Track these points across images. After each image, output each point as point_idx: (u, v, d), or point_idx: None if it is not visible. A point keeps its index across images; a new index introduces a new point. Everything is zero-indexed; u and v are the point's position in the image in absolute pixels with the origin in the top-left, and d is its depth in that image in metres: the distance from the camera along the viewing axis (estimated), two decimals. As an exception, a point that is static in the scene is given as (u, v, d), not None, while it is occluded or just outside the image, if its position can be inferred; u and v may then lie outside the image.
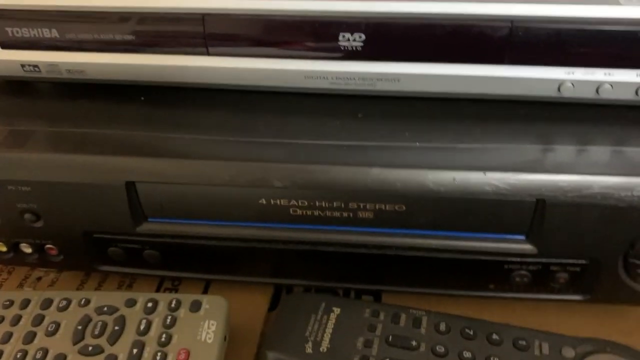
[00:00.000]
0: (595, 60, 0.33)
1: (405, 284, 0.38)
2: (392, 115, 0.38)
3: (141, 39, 0.36)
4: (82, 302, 0.37)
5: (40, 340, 0.35)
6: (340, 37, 0.34)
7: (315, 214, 0.35)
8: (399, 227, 0.35)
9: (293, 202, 0.34)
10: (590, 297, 0.37)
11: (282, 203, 0.35)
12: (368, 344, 0.34)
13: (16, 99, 0.42)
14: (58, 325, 0.36)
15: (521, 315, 0.39)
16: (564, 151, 0.34)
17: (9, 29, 0.37)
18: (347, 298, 0.40)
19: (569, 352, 0.34)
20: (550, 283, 0.36)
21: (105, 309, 0.37)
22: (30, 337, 0.35)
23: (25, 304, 0.37)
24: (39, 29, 0.37)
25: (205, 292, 0.43)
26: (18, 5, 0.36)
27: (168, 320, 0.36)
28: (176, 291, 0.43)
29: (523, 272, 0.36)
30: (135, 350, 0.34)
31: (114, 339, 0.35)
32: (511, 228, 0.34)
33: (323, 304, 0.36)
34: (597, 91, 0.34)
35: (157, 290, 0.43)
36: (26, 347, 0.35)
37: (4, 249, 0.40)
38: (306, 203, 0.34)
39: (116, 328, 0.36)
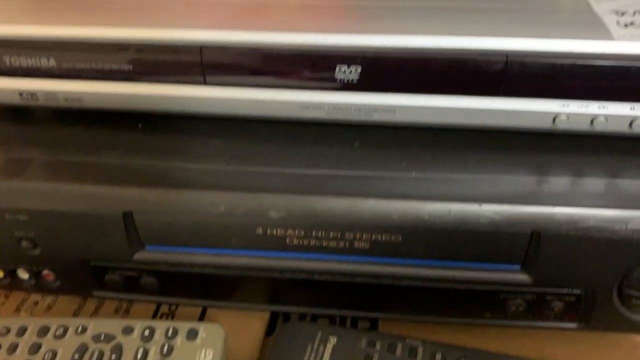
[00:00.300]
0: (590, 94, 0.34)
1: (402, 312, 0.38)
2: (388, 144, 0.38)
3: (139, 69, 0.36)
4: (79, 329, 0.37)
5: (37, 370, 0.35)
6: (337, 70, 0.34)
7: (311, 243, 0.35)
8: (395, 257, 0.35)
9: (290, 231, 0.35)
10: (585, 326, 0.37)
11: (278, 233, 0.35)
12: (364, 374, 0.34)
13: (14, 126, 0.42)
14: (55, 353, 0.36)
15: (518, 342, 0.39)
16: (559, 182, 0.34)
17: (7, 57, 0.37)
18: (343, 327, 0.40)
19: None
20: (545, 312, 0.36)
21: (103, 336, 0.37)
22: (27, 367, 0.35)
23: (22, 331, 0.37)
24: (37, 58, 0.37)
25: (202, 316, 0.43)
26: (16, 34, 0.36)
27: (165, 349, 0.36)
28: (173, 316, 0.43)
29: (518, 301, 0.36)
30: (132, 380, 0.34)
31: (111, 367, 0.35)
32: (506, 258, 0.34)
33: (319, 333, 0.36)
34: (591, 123, 0.34)
35: (154, 315, 0.43)
36: (23, 376, 0.35)
37: (1, 274, 0.40)
38: (303, 233, 0.35)
39: (113, 356, 0.36)
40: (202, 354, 0.36)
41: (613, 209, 0.32)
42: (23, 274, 0.40)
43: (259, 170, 0.36)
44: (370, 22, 0.35)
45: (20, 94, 0.39)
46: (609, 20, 0.33)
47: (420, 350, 0.35)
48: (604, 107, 0.34)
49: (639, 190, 0.33)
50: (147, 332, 0.37)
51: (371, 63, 0.34)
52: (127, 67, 0.36)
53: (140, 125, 0.40)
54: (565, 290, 0.35)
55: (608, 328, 0.37)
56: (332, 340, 0.36)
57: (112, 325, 0.38)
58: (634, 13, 0.34)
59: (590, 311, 0.36)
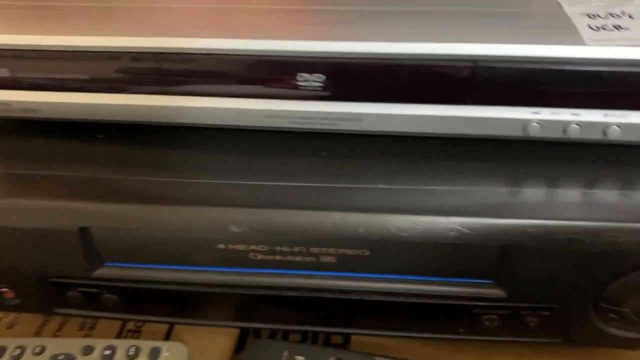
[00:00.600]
0: (562, 100, 0.32)
1: (373, 327, 0.37)
2: (357, 154, 0.36)
3: (95, 78, 0.35)
4: (37, 350, 0.36)
5: (-10, 393, 0.34)
6: (299, 77, 0.33)
7: (276, 258, 0.34)
8: (363, 271, 0.34)
9: (252, 247, 0.33)
10: (563, 341, 0.35)
11: (241, 248, 0.33)
12: (331, 395, 0.33)
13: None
14: (10, 376, 0.35)
15: (495, 357, 0.38)
16: (531, 194, 0.33)
17: (-41, 68, 0.36)
18: (311, 345, 0.39)
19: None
20: (520, 326, 0.35)
21: (62, 357, 0.36)
22: (-20, 390, 0.34)
23: (-23, 353, 0.36)
24: (-9, 68, 0.36)
25: (169, 333, 0.41)
26: (-33, 44, 0.35)
27: (125, 370, 0.35)
28: (139, 333, 0.42)
29: (492, 316, 0.35)
30: (89, 404, 0.33)
31: (68, 391, 0.34)
32: (478, 272, 0.33)
33: (286, 352, 0.35)
34: (564, 131, 0.33)
35: (120, 333, 0.42)
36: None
37: (-41, 292, 0.39)
38: (266, 248, 0.33)
39: (71, 378, 0.34)
40: (164, 375, 0.34)
41: (587, 221, 0.31)
42: (-19, 292, 0.38)
43: (220, 182, 0.34)
44: (333, 28, 0.33)
45: (-26, 105, 0.37)
46: (581, 23, 0.32)
47: (389, 369, 0.34)
48: (576, 114, 0.33)
49: (614, 201, 0.32)
50: (107, 352, 0.36)
51: (334, 70, 0.32)
52: (82, 76, 0.35)
53: (100, 136, 0.39)
54: (540, 305, 0.34)
55: (586, 342, 0.36)
56: (299, 359, 0.35)
57: (72, 345, 0.36)
58: (607, 16, 0.33)
59: (566, 326, 0.35)
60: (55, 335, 0.42)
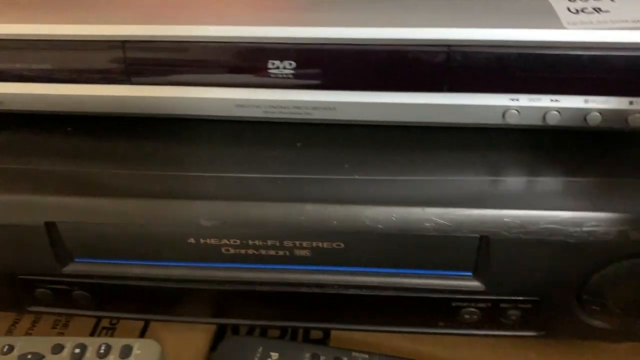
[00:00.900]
0: (540, 86, 0.31)
1: (351, 322, 0.36)
2: (333, 144, 0.35)
3: (59, 68, 0.34)
4: (5, 349, 0.35)
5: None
6: (270, 65, 0.32)
7: (249, 252, 0.33)
8: (338, 264, 0.33)
9: (224, 240, 0.32)
10: (545, 334, 0.35)
11: (212, 242, 0.32)
12: (306, 393, 0.32)
13: None
14: (-24, 376, 0.34)
15: (477, 350, 0.37)
16: (510, 183, 0.32)
17: None
18: (287, 341, 0.38)
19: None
20: (501, 320, 0.34)
21: (30, 356, 0.35)
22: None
23: (-57, 352, 0.35)
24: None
25: (144, 330, 0.40)
26: None
27: (96, 368, 0.34)
28: (113, 330, 0.41)
29: (472, 309, 0.34)
30: (57, 404, 0.32)
31: (35, 390, 0.33)
32: (456, 264, 0.32)
33: (260, 349, 0.34)
34: (544, 118, 0.32)
35: (94, 329, 0.41)
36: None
37: None
38: (238, 242, 0.32)
39: (39, 378, 0.33)
40: (135, 373, 0.33)
41: (567, 211, 0.30)
42: (-52, 290, 0.37)
43: (189, 175, 0.33)
44: (303, 13, 0.32)
45: (-64, 97, 0.36)
46: (559, 6, 0.31)
47: (367, 364, 0.33)
48: (556, 100, 0.31)
49: (596, 190, 0.31)
50: (77, 351, 0.35)
51: (305, 57, 0.31)
52: (45, 66, 0.34)
53: (69, 128, 0.37)
54: (520, 297, 0.33)
55: (569, 335, 0.35)
56: (274, 356, 0.33)
57: (41, 344, 0.35)
58: (586, -2, 0.32)
59: (549, 319, 0.34)
60: (27, 334, 0.40)
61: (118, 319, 0.41)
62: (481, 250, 0.31)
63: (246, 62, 0.32)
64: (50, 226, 0.32)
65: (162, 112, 0.35)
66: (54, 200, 0.32)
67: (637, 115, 0.32)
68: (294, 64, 0.31)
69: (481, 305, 0.33)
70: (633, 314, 0.33)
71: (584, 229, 0.30)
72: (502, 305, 0.33)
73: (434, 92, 0.32)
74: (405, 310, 0.35)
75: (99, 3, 0.35)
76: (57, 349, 0.35)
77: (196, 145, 0.36)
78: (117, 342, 0.35)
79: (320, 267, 0.33)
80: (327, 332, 0.40)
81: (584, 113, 0.32)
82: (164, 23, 0.32)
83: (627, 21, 0.30)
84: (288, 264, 0.33)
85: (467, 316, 0.34)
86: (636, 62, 0.30)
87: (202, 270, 0.34)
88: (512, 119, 0.32)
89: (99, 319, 0.41)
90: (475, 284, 0.32)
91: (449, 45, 0.30)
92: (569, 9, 0.31)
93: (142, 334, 0.40)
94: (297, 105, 0.33)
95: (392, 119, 0.33)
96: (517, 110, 0.32)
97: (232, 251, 0.33)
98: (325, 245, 0.32)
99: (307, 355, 0.34)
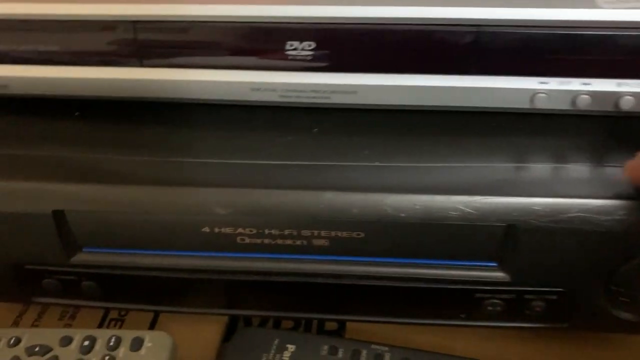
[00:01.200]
0: (571, 69, 0.30)
1: (369, 313, 0.35)
2: (351, 129, 0.34)
3: (67, 50, 0.32)
4: (12, 341, 0.34)
5: (-38, 388, 0.32)
6: (288, 46, 0.30)
7: (265, 242, 0.31)
8: (358, 255, 0.32)
9: (240, 230, 0.31)
10: (569, 326, 0.34)
11: (227, 231, 0.31)
12: (325, 386, 0.31)
13: None
14: (-18, 369, 0.33)
15: (496, 343, 0.36)
16: (538, 170, 0.31)
17: None
18: (303, 333, 0.37)
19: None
20: (525, 311, 0.33)
21: (37, 349, 0.33)
22: (-49, 384, 0.32)
23: (-51, 344, 0.34)
24: (-45, 40, 0.33)
25: (154, 322, 0.39)
26: None
27: (105, 361, 0.33)
28: (122, 322, 0.39)
29: (495, 300, 0.33)
30: (67, 397, 0.31)
31: (44, 383, 0.32)
32: (481, 255, 0.31)
33: (276, 341, 0.33)
34: (573, 102, 0.31)
35: (102, 321, 0.40)
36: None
37: None
38: (254, 231, 0.31)
39: (48, 371, 0.32)
40: (147, 366, 0.32)
41: (598, 199, 0.28)
42: (-47, 280, 0.36)
43: (204, 162, 0.32)
44: (324, -9, 0.31)
45: (-62, 80, 0.35)
46: (593, -16, 0.30)
47: (386, 357, 0.32)
48: (587, 83, 0.30)
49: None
50: (87, 343, 0.34)
51: (325, 38, 0.30)
52: (53, 47, 0.32)
53: (77, 113, 0.36)
54: (546, 289, 0.32)
55: (594, 328, 0.34)
56: (290, 348, 0.32)
57: (49, 336, 0.34)
58: (621, -24, 0.30)
59: (574, 310, 0.33)
60: (33, 325, 0.39)
61: (127, 310, 0.40)
62: (508, 239, 0.30)
63: (263, 43, 0.31)
64: (58, 215, 0.31)
65: (174, 96, 0.33)
66: (62, 188, 0.31)
67: (672, 99, 0.31)
68: (313, 44, 0.30)
69: (505, 296, 0.32)
70: (663, 306, 0.32)
71: (615, 217, 0.28)
72: (527, 296, 0.32)
73: (460, 74, 0.31)
74: (425, 301, 0.34)
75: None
76: (66, 341, 0.34)
77: (210, 131, 0.35)
78: (127, 334, 0.34)
79: (338, 257, 0.32)
80: (342, 324, 0.39)
81: (617, 97, 0.30)
82: (177, 2, 0.31)
83: (664, 0, 0.29)
84: (305, 254, 0.32)
85: (490, 308, 0.33)
86: (673, 44, 0.29)
87: (216, 260, 0.33)
88: (541, 103, 0.31)
89: (107, 310, 0.40)
90: (500, 274, 0.31)
91: (477, 25, 0.29)
92: (602, -12, 0.30)
93: (152, 326, 0.39)
94: (316, 88, 0.32)
95: (416, 103, 0.32)
96: (546, 94, 0.31)
97: (247, 240, 0.31)
98: (344, 234, 0.31)
99: (325, 347, 0.32)
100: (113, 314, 0.40)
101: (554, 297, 0.32)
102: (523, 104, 0.31)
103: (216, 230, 0.31)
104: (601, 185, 0.30)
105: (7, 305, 0.41)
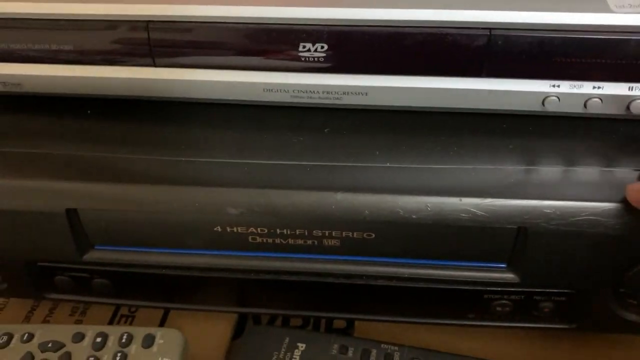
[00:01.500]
0: (583, 73, 0.30)
1: (378, 313, 0.35)
2: (362, 130, 0.34)
3: (80, 49, 0.32)
4: (25, 337, 0.34)
5: (-25, 383, 0.32)
6: (301, 47, 0.30)
7: (276, 241, 0.32)
8: (368, 255, 0.32)
9: (252, 229, 0.31)
10: (577, 327, 0.34)
11: (239, 230, 0.31)
12: (335, 385, 0.31)
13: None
14: (-4, 365, 0.33)
15: (503, 344, 0.37)
16: (549, 172, 0.31)
17: None
18: (313, 332, 0.37)
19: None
20: (533, 312, 0.33)
21: (50, 345, 0.34)
22: (-36, 380, 0.32)
23: (-38, 340, 0.34)
24: (-32, 39, 0.33)
25: (164, 318, 0.40)
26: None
27: (118, 358, 0.33)
28: (133, 319, 0.40)
29: (504, 301, 0.33)
30: (80, 393, 0.31)
31: (57, 379, 0.32)
32: (491, 256, 0.31)
33: (287, 339, 0.33)
34: (585, 105, 0.31)
35: (113, 318, 0.40)
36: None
37: (-57, 276, 0.37)
38: (266, 230, 0.31)
39: (61, 367, 0.33)
40: (159, 363, 0.33)
41: (608, 202, 0.29)
42: (-34, 276, 0.36)
43: (216, 161, 0.32)
44: (337, -7, 0.31)
45: (-48, 78, 0.35)
46: (606, -12, 0.30)
47: (396, 357, 0.32)
48: (599, 87, 0.30)
49: (636, 180, 0.30)
50: (99, 340, 0.34)
51: (338, 40, 0.30)
52: (66, 47, 0.32)
53: (89, 111, 0.36)
54: (555, 290, 0.32)
55: (602, 329, 0.34)
56: (301, 347, 0.33)
57: (61, 332, 0.35)
58: (634, -20, 0.30)
59: (582, 312, 0.33)
60: (45, 321, 0.40)
61: (137, 307, 0.40)
62: (518, 241, 0.30)
63: (276, 44, 0.31)
64: (71, 213, 0.32)
65: (186, 96, 0.34)
66: (75, 187, 0.32)
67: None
68: (326, 46, 0.30)
69: (514, 297, 0.33)
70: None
71: (625, 220, 0.29)
72: (536, 297, 0.33)
73: (473, 77, 0.31)
74: (435, 301, 0.34)
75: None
76: (78, 337, 0.34)
77: (222, 130, 0.35)
78: (139, 331, 0.34)
79: (349, 257, 0.32)
80: (350, 323, 0.39)
81: (628, 101, 0.30)
82: (190, 3, 0.31)
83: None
84: (316, 254, 0.32)
85: (499, 308, 0.33)
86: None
87: (228, 259, 0.33)
88: (552, 107, 0.31)
89: (118, 307, 0.40)
90: (509, 276, 0.31)
91: (490, 29, 0.29)
92: (615, -8, 0.30)
93: (162, 323, 0.39)
94: (328, 89, 0.32)
95: (428, 104, 0.32)
96: (558, 97, 0.31)
97: (259, 240, 0.32)
98: (355, 235, 0.31)
99: (335, 346, 0.33)
100: (123, 311, 0.40)
101: (563, 298, 0.32)
102: (535, 107, 0.32)
103: (228, 229, 0.31)
104: (611, 188, 0.30)
105: (19, 301, 0.41)
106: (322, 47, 0.30)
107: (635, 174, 0.30)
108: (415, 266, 0.32)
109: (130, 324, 0.40)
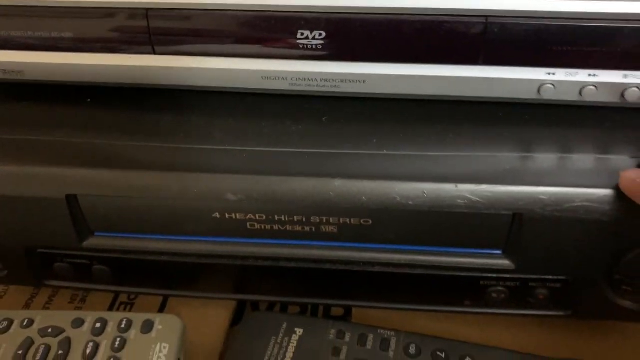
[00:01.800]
0: (579, 60, 0.30)
1: (375, 299, 0.36)
2: (360, 118, 0.35)
3: (80, 37, 0.33)
4: (25, 323, 0.35)
5: (-25, 368, 0.32)
6: (299, 35, 0.31)
7: (274, 228, 0.32)
8: (365, 241, 0.32)
9: (250, 215, 0.32)
10: (572, 314, 0.34)
11: (238, 217, 0.32)
12: (332, 369, 0.31)
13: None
14: (-4, 350, 0.33)
15: (500, 330, 0.37)
16: (544, 159, 0.31)
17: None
18: (311, 317, 0.38)
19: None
20: (529, 299, 0.34)
21: (50, 330, 0.34)
22: (-35, 364, 0.33)
23: (-37, 325, 0.35)
24: (-30, 26, 0.33)
25: (163, 305, 0.40)
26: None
27: (117, 343, 0.33)
28: (132, 306, 0.40)
29: (500, 288, 0.33)
30: (80, 377, 0.32)
31: (57, 364, 0.32)
32: (487, 243, 0.32)
33: (285, 325, 0.33)
34: (580, 93, 0.31)
35: (112, 305, 0.40)
36: (-40, 375, 0.32)
37: (-57, 263, 0.37)
38: (264, 217, 0.32)
39: (60, 352, 0.33)
40: (158, 348, 0.33)
41: (602, 189, 0.29)
42: (-34, 263, 0.37)
43: (215, 148, 0.33)
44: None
45: (-47, 66, 0.35)
46: (602, -24, 0.30)
47: (393, 342, 0.33)
48: (594, 74, 0.31)
49: (631, 167, 0.30)
50: (98, 325, 0.34)
51: (336, 27, 0.30)
52: (67, 34, 0.33)
53: (89, 99, 0.37)
54: (550, 277, 0.32)
55: (597, 316, 0.35)
56: (299, 332, 0.33)
57: (61, 318, 0.35)
58: (629, -32, 0.31)
59: (577, 298, 0.33)
60: (44, 308, 0.40)
61: (137, 294, 0.40)
62: (513, 228, 0.30)
63: (274, 32, 0.31)
64: (71, 199, 0.32)
65: (185, 84, 0.34)
66: (75, 173, 0.32)
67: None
68: (324, 34, 0.31)
69: (509, 284, 0.33)
70: (665, 295, 0.32)
71: (620, 207, 0.29)
72: (531, 284, 0.33)
73: (469, 64, 0.31)
74: (431, 288, 0.34)
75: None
76: (78, 323, 0.35)
77: (221, 118, 0.35)
78: (138, 317, 0.35)
79: (346, 244, 0.33)
80: (348, 309, 0.40)
81: (623, 88, 0.31)
82: (189, -9, 0.31)
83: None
84: (314, 240, 0.32)
85: (494, 295, 0.34)
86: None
87: (227, 246, 0.33)
88: (548, 94, 0.31)
89: (117, 294, 0.41)
90: (505, 262, 0.32)
91: (486, 16, 0.29)
92: (611, -20, 0.30)
93: (161, 310, 0.40)
94: (326, 77, 0.32)
95: (425, 92, 0.32)
96: (553, 85, 0.31)
97: (257, 226, 0.32)
98: (352, 221, 0.31)
99: (333, 331, 0.33)
100: (123, 298, 0.41)
101: (558, 285, 0.33)
102: (530, 95, 0.32)
103: (227, 215, 0.32)
104: (606, 175, 0.30)
105: (18, 288, 0.41)
106: (320, 35, 0.31)
107: (631, 161, 0.31)
108: (412, 253, 0.32)
109: (130, 310, 0.40)
